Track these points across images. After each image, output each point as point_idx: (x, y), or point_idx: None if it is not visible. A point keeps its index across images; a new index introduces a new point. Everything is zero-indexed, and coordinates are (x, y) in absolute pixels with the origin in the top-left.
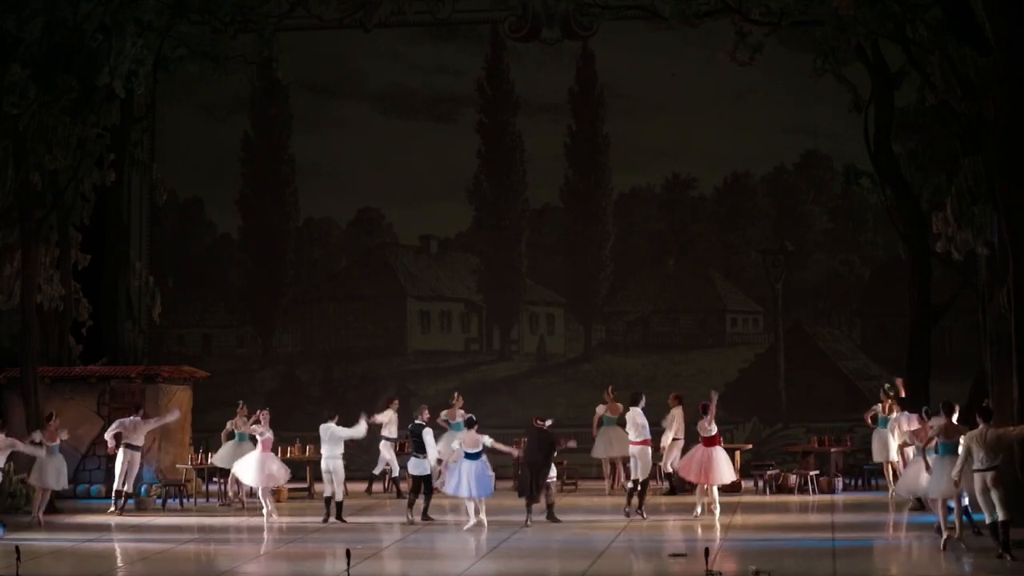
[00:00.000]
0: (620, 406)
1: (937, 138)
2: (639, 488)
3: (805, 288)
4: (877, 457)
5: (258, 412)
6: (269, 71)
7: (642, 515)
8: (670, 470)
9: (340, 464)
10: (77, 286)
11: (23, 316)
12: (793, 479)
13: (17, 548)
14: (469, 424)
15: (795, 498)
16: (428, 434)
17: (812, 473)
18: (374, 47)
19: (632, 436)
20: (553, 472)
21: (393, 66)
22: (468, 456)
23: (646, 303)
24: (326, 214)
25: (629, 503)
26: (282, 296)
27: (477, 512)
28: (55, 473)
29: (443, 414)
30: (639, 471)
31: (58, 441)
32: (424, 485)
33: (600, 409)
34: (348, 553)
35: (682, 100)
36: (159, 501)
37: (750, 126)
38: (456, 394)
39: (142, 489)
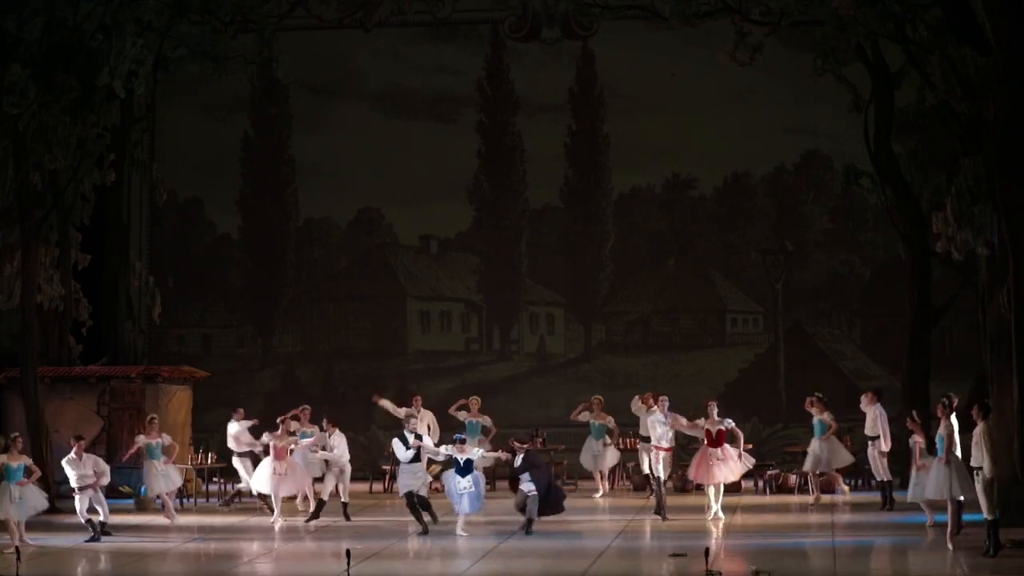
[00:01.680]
0: (609, 417)
1: (937, 138)
2: (662, 488)
3: (805, 288)
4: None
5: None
6: (269, 71)
7: (663, 516)
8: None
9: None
10: (77, 286)
11: (23, 316)
12: (793, 479)
13: (17, 548)
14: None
15: (795, 498)
16: (426, 440)
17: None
18: (374, 47)
19: (655, 441)
20: (529, 487)
21: (393, 66)
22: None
23: (646, 303)
24: (326, 214)
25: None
26: (282, 296)
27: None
28: (163, 478)
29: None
30: (663, 471)
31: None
32: (419, 498)
33: (584, 416)
34: (348, 553)
35: (682, 100)
36: (159, 501)
37: (750, 126)
38: (474, 398)
39: (142, 489)
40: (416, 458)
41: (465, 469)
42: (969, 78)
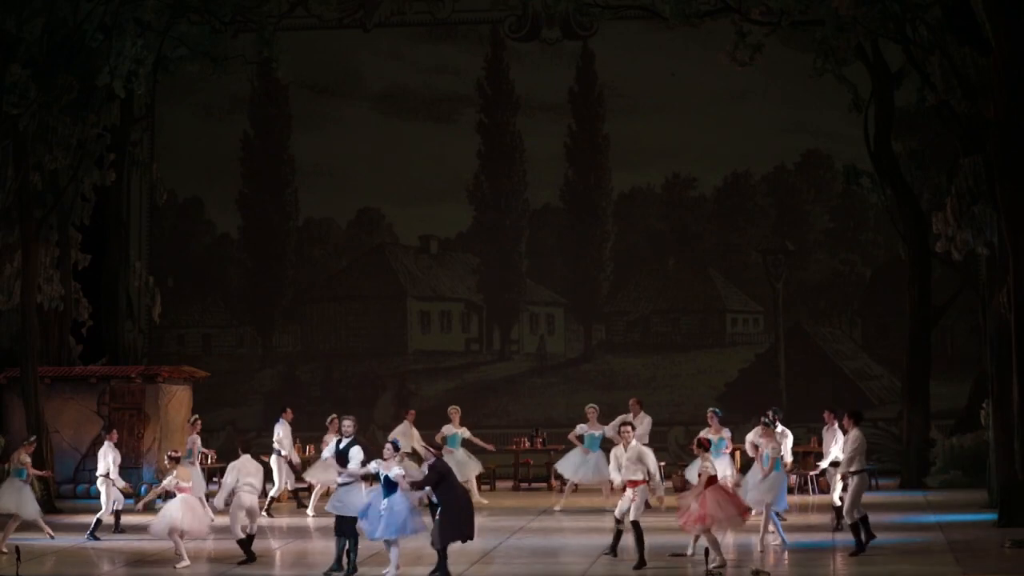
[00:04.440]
0: (602, 427)
1: (937, 138)
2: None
3: (806, 288)
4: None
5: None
6: (269, 71)
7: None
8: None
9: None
10: (77, 286)
11: (23, 316)
12: (793, 479)
13: (17, 548)
14: (396, 448)
15: (795, 498)
16: (358, 452)
17: (812, 473)
18: (374, 47)
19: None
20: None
21: (393, 66)
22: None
23: (646, 303)
24: (326, 214)
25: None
26: (282, 296)
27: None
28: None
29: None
30: (634, 511)
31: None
32: (350, 528)
33: (581, 428)
34: (348, 553)
35: (682, 100)
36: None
37: (750, 126)
38: (453, 408)
39: (142, 489)
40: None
41: (389, 487)
42: (969, 78)
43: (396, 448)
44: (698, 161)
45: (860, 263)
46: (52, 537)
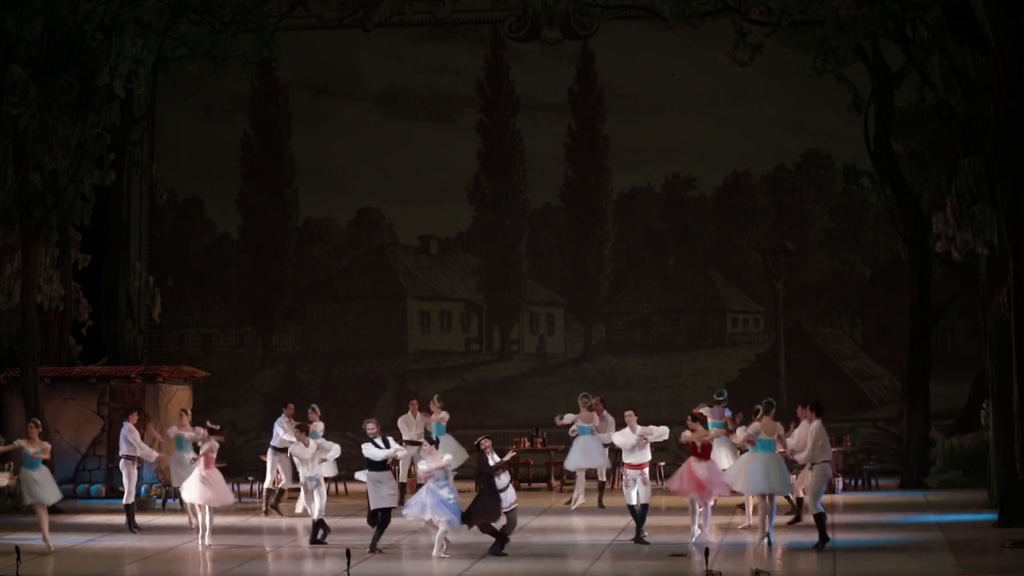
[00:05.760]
0: (595, 415)
1: (937, 138)
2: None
3: (806, 288)
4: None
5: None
6: (269, 71)
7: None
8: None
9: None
10: (77, 286)
11: (23, 316)
12: (793, 479)
13: (17, 548)
14: (428, 440)
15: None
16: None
17: None
18: (374, 47)
19: (634, 460)
20: (511, 496)
21: (393, 66)
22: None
23: (646, 303)
24: (326, 214)
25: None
26: (282, 296)
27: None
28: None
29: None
30: (644, 495)
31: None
32: (383, 515)
33: (569, 417)
34: (348, 553)
35: (682, 100)
36: (159, 501)
37: (750, 126)
38: (436, 396)
39: (142, 489)
40: (384, 464)
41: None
42: (969, 78)
43: (430, 441)
44: (698, 161)
45: (860, 263)
46: (51, 551)
